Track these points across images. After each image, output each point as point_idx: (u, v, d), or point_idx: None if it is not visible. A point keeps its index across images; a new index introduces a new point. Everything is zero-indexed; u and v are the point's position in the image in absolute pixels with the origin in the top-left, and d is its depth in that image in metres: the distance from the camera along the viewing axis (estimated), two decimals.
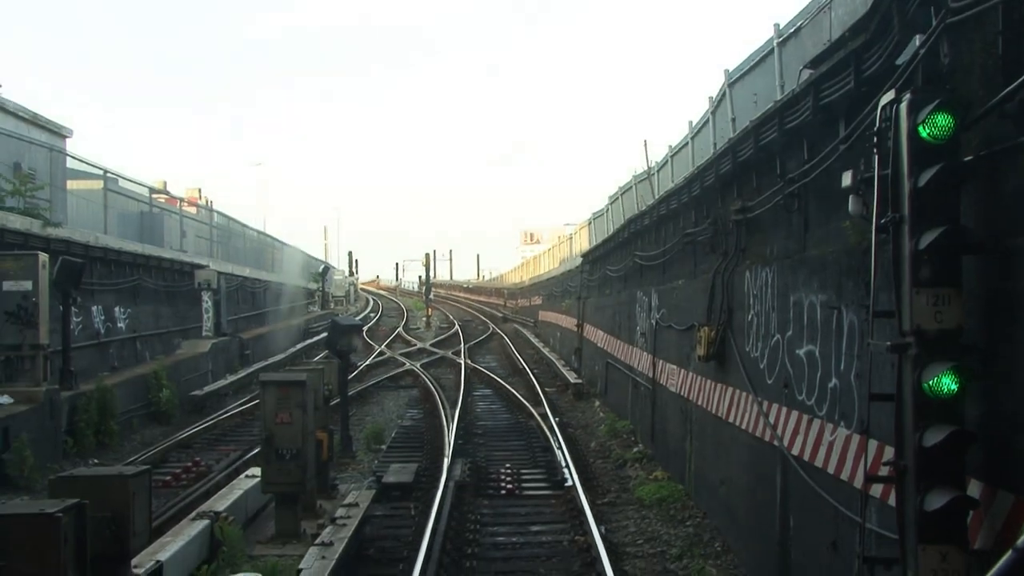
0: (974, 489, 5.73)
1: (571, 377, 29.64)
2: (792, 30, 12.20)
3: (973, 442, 5.57)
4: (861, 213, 7.22)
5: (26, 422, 16.20)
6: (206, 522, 11.45)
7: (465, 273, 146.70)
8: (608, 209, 35.77)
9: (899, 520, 5.84)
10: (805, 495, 9.13)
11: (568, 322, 36.54)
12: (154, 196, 33.05)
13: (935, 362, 5.59)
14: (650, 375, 18.22)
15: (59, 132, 25.13)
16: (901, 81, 6.52)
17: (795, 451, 9.52)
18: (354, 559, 11.50)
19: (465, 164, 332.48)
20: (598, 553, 11.69)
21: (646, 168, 23.89)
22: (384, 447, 20.01)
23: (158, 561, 9.56)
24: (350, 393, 21.56)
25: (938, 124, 5.63)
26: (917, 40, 6.49)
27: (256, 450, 15.90)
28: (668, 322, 16.53)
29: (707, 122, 17.77)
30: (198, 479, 16.24)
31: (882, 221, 6.09)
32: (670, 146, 24.53)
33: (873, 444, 6.94)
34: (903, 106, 5.80)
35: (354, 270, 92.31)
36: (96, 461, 17.69)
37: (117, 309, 24.13)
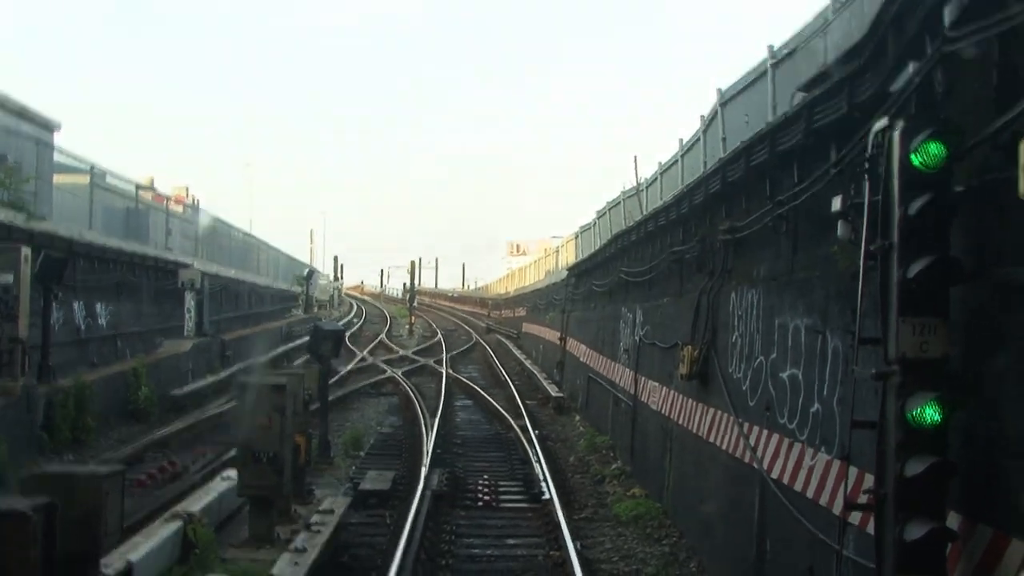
0: (953, 521, 5.71)
1: (552, 390, 29.62)
2: (786, 52, 12.23)
3: (955, 474, 5.55)
4: (850, 238, 7.21)
5: (2, 416, 16.02)
6: (179, 523, 11.28)
7: (451, 282, 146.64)
8: (595, 224, 35.80)
9: (877, 549, 5.82)
10: (783, 519, 9.10)
11: (551, 335, 36.55)
12: (141, 193, 32.85)
13: (919, 392, 5.58)
14: (632, 392, 18.21)
15: (47, 125, 24.95)
16: (895, 108, 6.52)
17: (775, 474, 9.50)
18: (328, 566, 11.39)
19: (453, 173, 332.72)
20: (573, 569, 11.62)
21: (635, 184, 23.94)
22: (363, 453, 19.90)
23: (129, 561, 9.41)
24: (331, 398, 21.48)
25: (930, 153, 5.63)
26: (911, 68, 6.49)
27: (233, 452, 15.79)
28: (652, 339, 16.55)
29: (698, 141, 17.83)
30: (173, 479, 16.09)
31: (871, 248, 6.08)
32: (660, 163, 24.58)
33: (854, 471, 6.92)
34: (896, 134, 5.80)
35: (339, 275, 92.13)
36: (72, 457, 17.52)
37: (99, 306, 23.93)
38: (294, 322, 51.01)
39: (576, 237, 41.52)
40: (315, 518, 12.07)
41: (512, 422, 23.47)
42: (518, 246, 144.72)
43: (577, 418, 25.67)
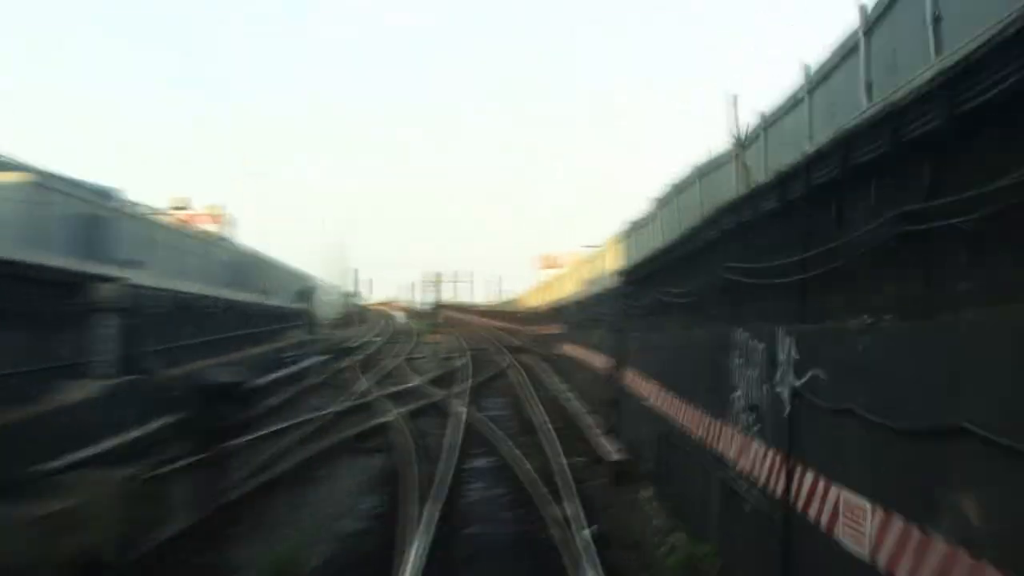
0: None
1: (607, 445, 20.94)
2: None
3: None
4: None
5: None
6: None
7: (485, 296, 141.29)
8: (656, 216, 27.50)
9: None
10: None
11: (598, 361, 28.01)
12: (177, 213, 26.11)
13: None
14: (776, 490, 9.77)
15: None
16: None
17: None
18: None
19: (484, 186, 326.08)
20: None
21: (735, 134, 15.52)
22: None
23: None
24: (294, 461, 13.79)
25: None
26: None
27: None
28: (837, 399, 8.11)
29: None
30: None
31: None
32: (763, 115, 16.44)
33: None
34: None
35: (356, 287, 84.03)
36: None
37: None
38: (288, 346, 42.97)
39: (627, 236, 33.16)
40: None
41: (554, 508, 15.19)
42: (549, 259, 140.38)
43: (647, 495, 16.89)
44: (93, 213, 28.35)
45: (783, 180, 10.22)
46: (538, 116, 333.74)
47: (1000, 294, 5.71)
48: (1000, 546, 5.37)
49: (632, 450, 19.88)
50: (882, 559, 6.87)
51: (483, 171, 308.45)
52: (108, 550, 10.28)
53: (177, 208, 28.41)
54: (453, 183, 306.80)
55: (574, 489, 16.58)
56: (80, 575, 8.40)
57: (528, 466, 18.75)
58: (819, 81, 14.28)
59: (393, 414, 26.37)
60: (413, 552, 12.36)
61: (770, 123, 16.50)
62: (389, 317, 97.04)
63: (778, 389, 9.78)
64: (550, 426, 24.43)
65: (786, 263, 9.88)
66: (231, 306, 36.66)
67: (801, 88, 14.53)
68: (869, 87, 12.06)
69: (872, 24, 12.10)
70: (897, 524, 6.69)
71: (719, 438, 12.48)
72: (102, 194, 31.95)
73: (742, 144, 15.12)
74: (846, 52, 12.99)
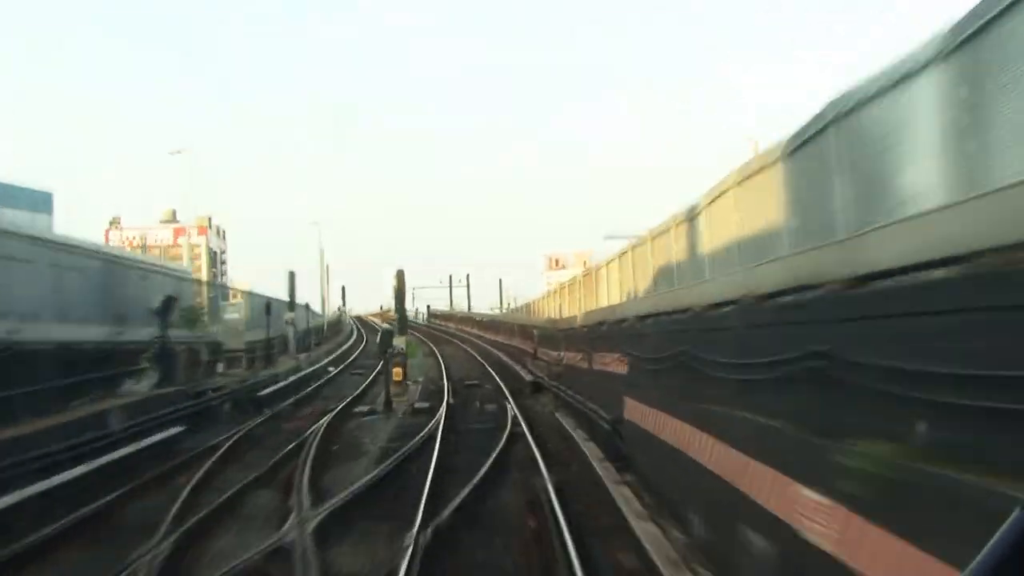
0: None
1: None
2: None
3: None
4: None
5: None
6: None
7: (486, 301, 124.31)
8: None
9: None
10: None
11: (733, 464, 9.94)
12: None
13: None
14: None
15: None
16: None
17: None
18: None
19: (484, 185, 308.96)
20: None
21: None
22: None
23: None
24: None
25: None
26: None
27: None
28: None
29: None
30: None
31: None
32: None
33: None
34: None
35: (293, 302, 65.31)
36: None
37: None
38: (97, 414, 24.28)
39: (750, 176, 13.97)
40: None
41: None
42: (557, 260, 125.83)
43: None
44: None
45: None
46: (538, 116, 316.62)
47: None
48: None
49: None
50: None
51: (482, 171, 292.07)
52: None
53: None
54: (453, 183, 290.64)
55: None
56: None
57: None
58: None
59: None
60: None
61: None
62: (372, 330, 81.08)
63: None
64: None
65: None
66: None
67: None
68: None
69: None
70: None
71: None
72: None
73: None
74: None
